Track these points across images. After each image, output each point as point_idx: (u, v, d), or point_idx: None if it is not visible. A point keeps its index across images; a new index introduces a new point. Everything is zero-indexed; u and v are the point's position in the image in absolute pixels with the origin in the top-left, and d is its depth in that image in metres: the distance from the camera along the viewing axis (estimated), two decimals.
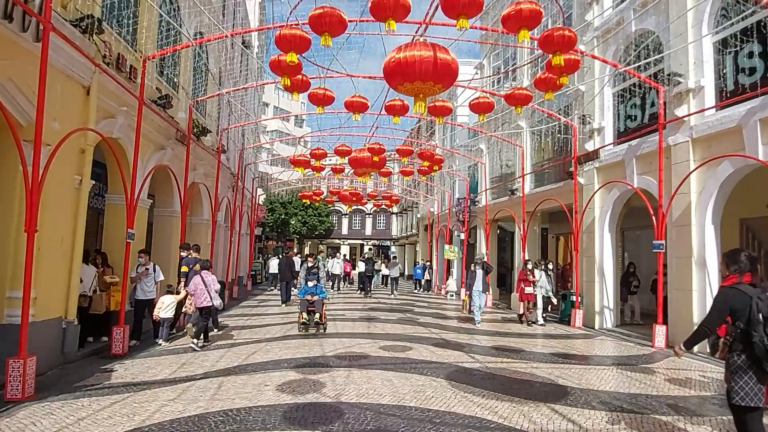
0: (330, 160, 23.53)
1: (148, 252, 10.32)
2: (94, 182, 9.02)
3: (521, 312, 14.06)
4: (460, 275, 25.25)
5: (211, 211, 15.69)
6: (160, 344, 9.80)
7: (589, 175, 14.63)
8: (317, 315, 11.59)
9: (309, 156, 18.20)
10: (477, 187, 23.70)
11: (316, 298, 11.81)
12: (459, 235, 25.88)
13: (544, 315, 14.42)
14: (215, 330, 11.07)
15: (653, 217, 11.44)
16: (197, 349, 9.20)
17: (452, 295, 23.01)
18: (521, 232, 17.68)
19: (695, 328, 4.22)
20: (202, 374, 7.38)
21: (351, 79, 13.64)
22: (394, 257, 33.23)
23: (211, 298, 9.71)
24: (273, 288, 24.41)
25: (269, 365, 8.04)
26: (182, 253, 11.72)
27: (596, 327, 13.70)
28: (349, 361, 8.36)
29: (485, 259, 14.48)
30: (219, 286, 10.20)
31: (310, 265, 13.79)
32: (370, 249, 49.63)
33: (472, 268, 14.13)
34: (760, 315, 3.78)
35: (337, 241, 55.77)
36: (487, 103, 12.18)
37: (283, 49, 8.82)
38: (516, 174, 19.43)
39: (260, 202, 39.10)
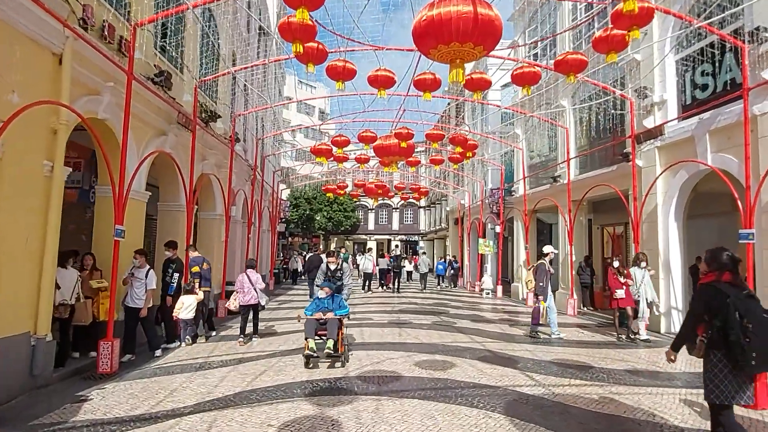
0: (354, 152, 21.98)
1: (145, 253, 8.87)
2: (71, 170, 7.57)
3: (616, 323, 11.18)
4: (495, 271, 23.39)
5: (224, 205, 14.22)
6: (181, 345, 9.36)
7: (648, 156, 12.66)
8: (330, 342, 7.82)
9: (330, 144, 16.62)
10: (513, 176, 21.78)
11: (330, 315, 8.18)
12: (493, 228, 24.00)
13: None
14: (255, 336, 10.35)
15: (738, 202, 9.44)
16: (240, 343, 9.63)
17: (488, 293, 21.17)
18: (566, 224, 15.77)
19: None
20: (192, 406, 5.83)
21: (375, 52, 11.92)
22: (423, 252, 31.41)
23: (257, 296, 9.83)
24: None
25: (278, 392, 6.45)
26: (191, 254, 10.31)
27: (662, 331, 11.79)
28: (378, 385, 6.70)
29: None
30: (264, 284, 10.12)
31: (332, 268, 9.33)
32: (396, 246, 47.97)
33: (547, 266, 10.75)
34: (737, 314, 3.75)
35: (364, 236, 54.27)
36: (533, 73, 10.36)
37: (292, 5, 7.17)
38: (559, 159, 17.47)
39: (283, 198, 37.82)
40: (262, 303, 9.98)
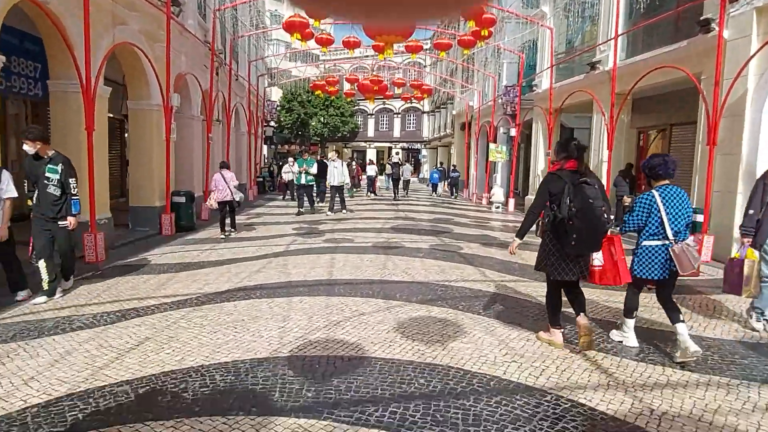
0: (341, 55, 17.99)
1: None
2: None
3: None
4: (507, 182, 20.11)
5: (162, 92, 10.66)
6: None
7: (741, 23, 8.88)
8: None
9: (305, 17, 12.72)
10: (535, 69, 17.82)
11: None
12: (507, 132, 20.39)
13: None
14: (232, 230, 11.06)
15: None
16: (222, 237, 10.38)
17: (498, 207, 18.01)
18: (606, 123, 12.22)
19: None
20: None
21: None
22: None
23: (231, 193, 10.33)
24: (288, 198, 19.86)
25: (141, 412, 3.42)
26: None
27: None
28: (317, 386, 3.65)
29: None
30: (237, 182, 10.81)
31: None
32: (397, 153, 44.31)
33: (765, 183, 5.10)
34: (568, 199, 3.94)
35: (363, 143, 50.51)
36: None
37: None
38: (600, 38, 13.53)
39: (272, 99, 33.76)
40: (237, 199, 10.53)
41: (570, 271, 4.14)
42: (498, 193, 18.28)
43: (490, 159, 19.19)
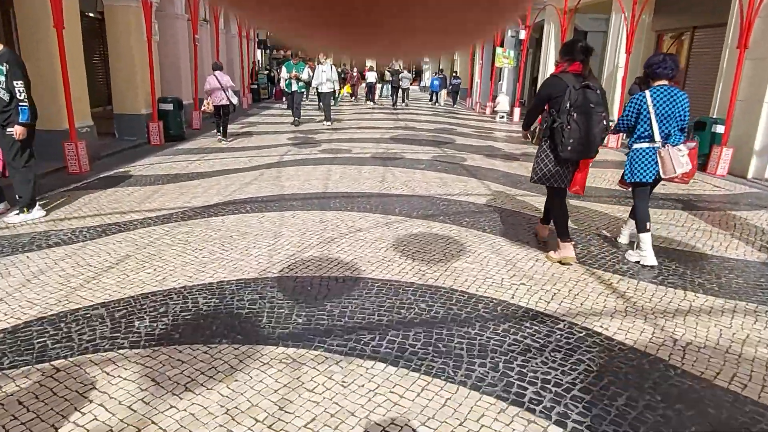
0: None
1: None
2: None
3: None
4: (514, 90, 19.17)
5: None
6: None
7: None
8: None
9: None
10: None
11: None
12: (516, 35, 19.13)
13: None
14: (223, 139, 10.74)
15: None
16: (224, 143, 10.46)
17: (503, 117, 17.26)
18: (626, 21, 11.25)
19: None
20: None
21: None
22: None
23: (227, 96, 10.11)
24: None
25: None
26: None
27: (749, 176, 8.33)
28: (308, 311, 3.34)
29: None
30: (233, 84, 10.58)
31: None
32: (393, 63, 42.29)
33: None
34: (568, 103, 3.78)
35: None
36: None
37: None
38: None
39: None
40: (234, 102, 10.33)
41: (564, 180, 4.07)
42: (503, 102, 17.44)
43: (496, 65, 18.12)
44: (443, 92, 26.23)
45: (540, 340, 2.99)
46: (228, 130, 10.95)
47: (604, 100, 3.89)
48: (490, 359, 2.78)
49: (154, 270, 3.92)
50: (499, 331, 3.07)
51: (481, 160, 9.07)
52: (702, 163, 8.88)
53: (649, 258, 4.17)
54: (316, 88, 14.33)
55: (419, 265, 4.10)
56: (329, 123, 13.98)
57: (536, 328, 3.14)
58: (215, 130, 11.00)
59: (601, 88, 3.92)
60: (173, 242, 4.54)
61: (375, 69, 26.98)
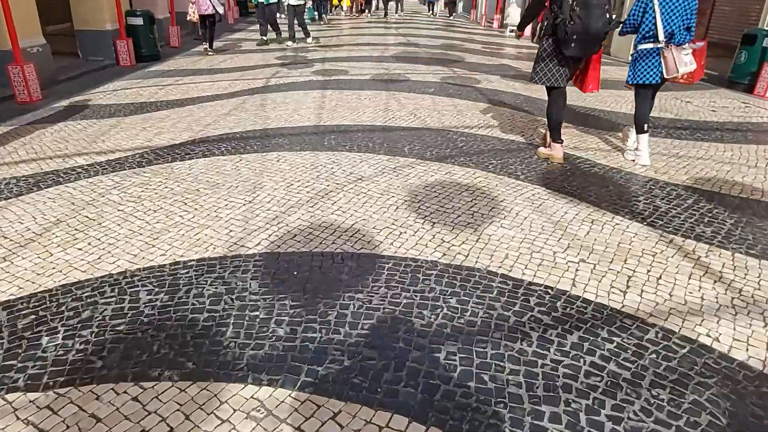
0: None
1: None
2: None
3: None
4: (524, 1, 17.16)
5: None
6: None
7: None
8: None
9: None
10: None
11: None
12: None
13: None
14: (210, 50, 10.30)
15: None
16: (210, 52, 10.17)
17: (513, 31, 15.48)
18: None
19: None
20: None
21: None
22: None
23: (212, 5, 9.74)
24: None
25: None
26: None
27: None
28: (294, 318, 2.35)
29: None
30: None
31: None
32: None
33: None
34: None
35: None
36: None
37: None
38: None
39: None
40: (219, 11, 10.03)
41: (564, 78, 4.01)
42: (513, 14, 15.57)
43: None
44: (441, 2, 24.53)
45: (629, 364, 2.01)
46: (214, 43, 10.52)
47: None
48: (563, 406, 1.82)
49: (88, 244, 2.88)
50: (566, 349, 2.10)
51: (498, 82, 7.76)
52: (749, 83, 7.64)
53: (644, 158, 4.21)
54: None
55: (441, 232, 3.06)
56: (311, 40, 11.99)
57: (618, 340, 2.15)
58: (202, 43, 10.37)
59: None
60: (121, 199, 3.47)
61: None
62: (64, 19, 9.61)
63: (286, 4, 11.69)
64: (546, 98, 4.36)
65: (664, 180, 3.94)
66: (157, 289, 2.46)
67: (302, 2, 11.42)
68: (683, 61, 3.85)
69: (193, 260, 2.72)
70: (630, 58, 4.23)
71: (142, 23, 9.40)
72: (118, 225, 3.11)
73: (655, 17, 3.88)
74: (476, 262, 2.74)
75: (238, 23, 17.23)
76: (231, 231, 3.04)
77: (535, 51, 4.22)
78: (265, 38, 11.82)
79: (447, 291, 2.47)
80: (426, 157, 4.36)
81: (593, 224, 3.20)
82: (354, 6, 22.87)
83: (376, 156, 4.35)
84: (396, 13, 22.78)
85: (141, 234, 3.00)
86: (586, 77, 4.11)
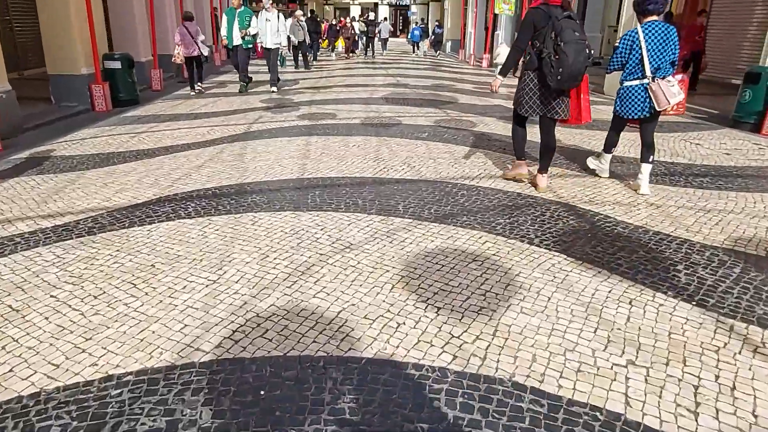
0: None
1: None
2: None
3: None
4: (511, 41, 17.10)
5: None
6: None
7: None
8: None
9: None
10: None
11: None
12: None
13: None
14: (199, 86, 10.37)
15: None
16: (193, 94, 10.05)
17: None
18: None
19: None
20: None
21: None
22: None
23: (198, 47, 9.72)
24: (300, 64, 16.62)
25: None
26: None
27: None
28: None
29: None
30: (204, 36, 10.24)
31: None
32: (371, 11, 39.44)
33: None
34: (554, 33, 3.77)
35: (346, 0, 45.01)
36: None
37: None
38: None
39: None
40: (205, 54, 10.00)
41: (549, 108, 4.10)
42: (503, 53, 15.40)
43: (495, 11, 16.00)
44: (426, 42, 24.95)
45: None
46: (204, 80, 10.80)
47: (582, 29, 3.86)
48: None
49: (2, 348, 2.24)
50: None
51: (495, 124, 7.32)
52: (756, 122, 7.25)
53: (605, 171, 4.75)
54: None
55: (449, 322, 2.46)
56: (275, 90, 10.47)
57: None
58: (189, 86, 10.36)
59: (579, 18, 3.97)
60: (59, 280, 2.84)
61: (358, 20, 24.88)
62: (42, 62, 9.14)
63: (261, 47, 10.80)
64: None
65: (700, 242, 3.39)
66: (74, 425, 1.81)
67: (278, 45, 10.39)
68: (672, 92, 3.95)
69: (131, 373, 2.08)
70: (616, 93, 4.39)
71: (120, 67, 8.97)
72: (46, 318, 2.47)
73: (641, 53, 4.02)
74: (497, 368, 2.12)
75: (225, 65, 16.92)
76: (185, 326, 2.41)
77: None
78: (245, 84, 10.49)
79: (463, 418, 1.84)
80: (424, 216, 3.79)
81: (632, 306, 2.61)
82: (346, 47, 22.68)
83: (366, 216, 3.78)
84: (382, 51, 22.99)
85: (71, 332, 2.36)
86: (580, 109, 4.17)
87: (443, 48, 25.19)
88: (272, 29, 10.16)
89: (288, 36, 13.11)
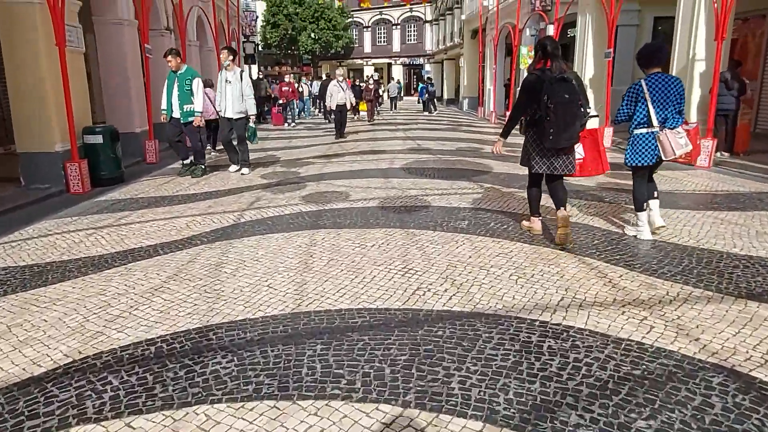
0: None
1: None
2: None
3: None
4: None
5: None
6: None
7: None
8: None
9: None
10: None
11: None
12: (535, 34, 15.95)
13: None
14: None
15: None
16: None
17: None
18: (706, 9, 8.04)
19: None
20: None
21: None
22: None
23: (215, 109, 8.95)
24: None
25: None
26: None
27: None
28: None
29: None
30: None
31: None
32: (376, 72, 39.23)
33: None
34: (546, 96, 3.89)
35: (359, 60, 45.18)
36: None
37: None
38: None
39: (251, 9, 28.59)
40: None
41: (545, 164, 4.19)
42: None
43: (522, 65, 14.85)
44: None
45: None
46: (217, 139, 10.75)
47: (580, 89, 3.96)
48: None
49: None
50: None
51: (551, 202, 5.72)
52: None
53: (645, 233, 4.34)
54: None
55: None
56: (237, 168, 8.42)
57: None
58: (208, 147, 10.42)
59: (577, 78, 4.01)
60: None
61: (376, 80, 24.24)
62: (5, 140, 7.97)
63: (220, 117, 8.43)
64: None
65: None
66: None
67: (242, 115, 8.03)
68: (679, 144, 3.99)
69: None
70: (627, 142, 4.33)
71: (101, 141, 7.73)
72: None
73: (647, 106, 4.07)
74: None
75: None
76: None
77: None
78: (185, 163, 8.33)
79: None
80: (498, 410, 2.14)
81: None
82: (369, 111, 19.92)
83: (396, 408, 2.14)
84: (390, 110, 22.68)
85: None
86: (601, 160, 4.35)
87: (460, 105, 24.42)
88: (233, 94, 7.86)
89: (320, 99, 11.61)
